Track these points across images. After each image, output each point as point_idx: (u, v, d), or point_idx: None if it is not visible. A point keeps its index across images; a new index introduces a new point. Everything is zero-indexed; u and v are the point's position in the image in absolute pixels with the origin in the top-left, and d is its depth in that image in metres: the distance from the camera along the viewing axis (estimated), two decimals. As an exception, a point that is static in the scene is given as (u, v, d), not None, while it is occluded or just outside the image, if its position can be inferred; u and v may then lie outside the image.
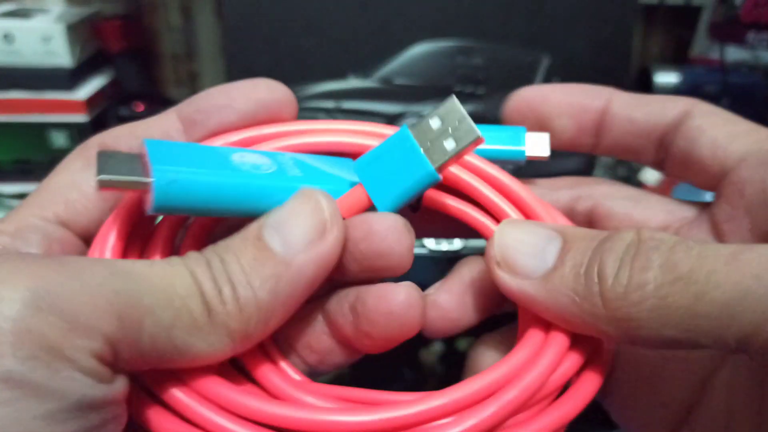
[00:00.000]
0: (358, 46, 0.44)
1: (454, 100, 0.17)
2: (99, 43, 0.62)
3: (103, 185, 0.15)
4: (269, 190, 0.16)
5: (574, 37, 0.45)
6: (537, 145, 0.20)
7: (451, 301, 0.19)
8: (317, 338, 0.18)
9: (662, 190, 0.57)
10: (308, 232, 0.15)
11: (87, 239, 0.17)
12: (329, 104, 0.45)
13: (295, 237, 0.15)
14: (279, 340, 0.18)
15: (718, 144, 0.18)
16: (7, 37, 0.54)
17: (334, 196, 0.17)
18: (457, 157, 0.17)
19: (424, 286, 0.18)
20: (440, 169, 0.17)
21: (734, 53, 0.66)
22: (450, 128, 0.17)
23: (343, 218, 0.16)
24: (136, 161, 0.16)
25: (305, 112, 0.45)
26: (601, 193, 0.20)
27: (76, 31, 0.57)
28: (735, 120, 0.18)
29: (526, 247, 0.16)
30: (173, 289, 0.14)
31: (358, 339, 0.17)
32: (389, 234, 0.17)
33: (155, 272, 0.14)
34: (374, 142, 0.18)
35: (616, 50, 0.45)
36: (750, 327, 0.13)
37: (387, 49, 0.44)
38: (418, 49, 0.44)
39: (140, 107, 0.61)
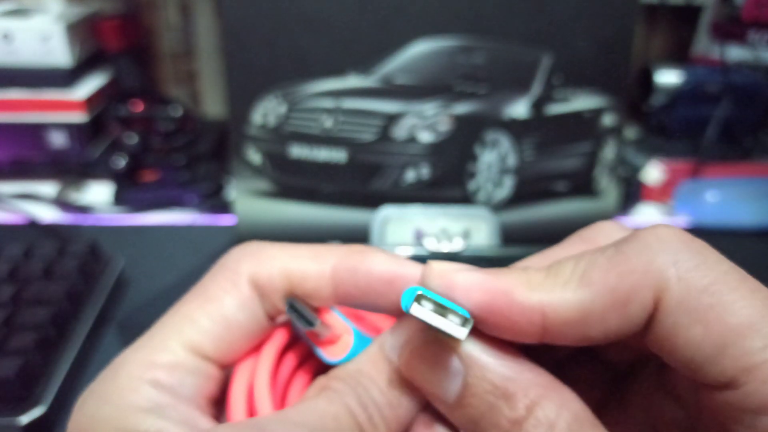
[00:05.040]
0: (357, 44, 0.44)
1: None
2: (98, 42, 0.62)
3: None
4: None
5: (576, 36, 0.44)
6: None
7: None
8: None
9: (663, 191, 0.57)
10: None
11: (227, 368, 0.19)
12: (329, 103, 0.45)
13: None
14: None
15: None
16: (6, 37, 0.54)
17: None
18: None
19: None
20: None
21: (735, 52, 0.66)
22: None
23: None
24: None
25: (305, 112, 0.45)
26: None
27: (75, 30, 0.57)
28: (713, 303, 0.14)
29: None
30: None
31: None
32: None
33: (328, 425, 0.15)
34: None
35: (617, 49, 0.45)
36: None
37: (387, 46, 0.44)
38: (419, 48, 0.44)
39: (139, 106, 0.61)
